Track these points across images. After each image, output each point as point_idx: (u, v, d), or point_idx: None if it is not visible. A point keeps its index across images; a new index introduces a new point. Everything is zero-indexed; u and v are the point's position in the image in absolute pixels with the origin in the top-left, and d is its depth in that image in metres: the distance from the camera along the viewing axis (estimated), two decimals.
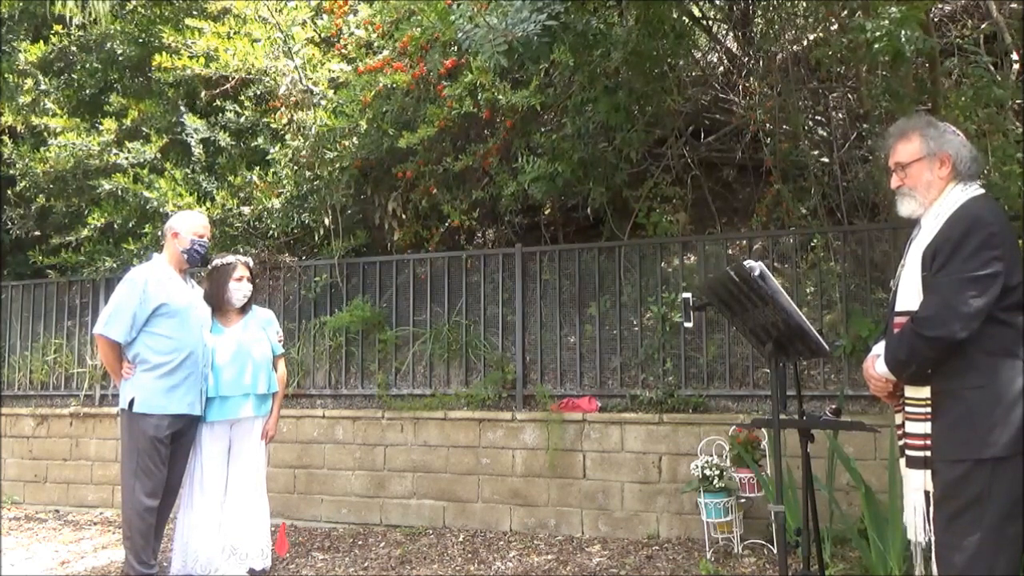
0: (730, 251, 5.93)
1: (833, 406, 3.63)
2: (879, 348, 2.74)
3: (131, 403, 4.27)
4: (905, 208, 2.78)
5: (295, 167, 6.49)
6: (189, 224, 4.52)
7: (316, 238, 6.88)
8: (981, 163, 2.88)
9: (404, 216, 6.69)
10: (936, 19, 6.17)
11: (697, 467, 4.68)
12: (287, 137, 6.41)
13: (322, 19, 6.58)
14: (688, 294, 3.60)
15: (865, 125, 6.29)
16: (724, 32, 7.69)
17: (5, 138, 7.35)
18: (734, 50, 7.56)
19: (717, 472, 4.61)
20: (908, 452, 2.65)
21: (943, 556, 2.54)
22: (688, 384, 5.52)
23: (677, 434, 5.19)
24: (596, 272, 5.98)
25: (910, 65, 5.09)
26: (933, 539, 2.57)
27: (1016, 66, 5.67)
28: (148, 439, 4.25)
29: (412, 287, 6.41)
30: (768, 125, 6.52)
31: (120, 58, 7.45)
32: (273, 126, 6.48)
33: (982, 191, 2.70)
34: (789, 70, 6.40)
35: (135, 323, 4.28)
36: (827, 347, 3.03)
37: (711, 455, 4.76)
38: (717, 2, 7.56)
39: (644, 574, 4.57)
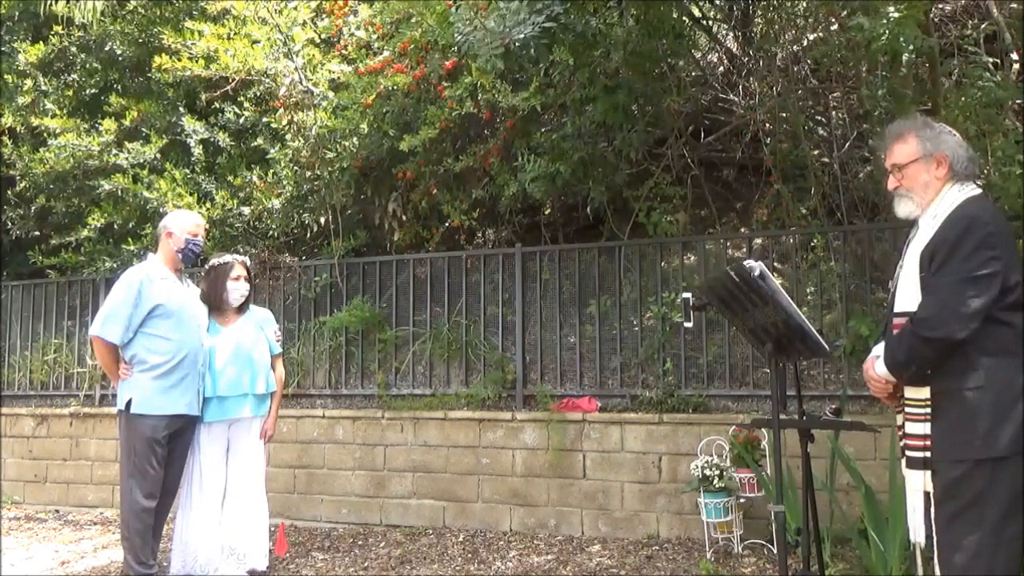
0: (730, 251, 5.93)
1: (834, 406, 3.64)
2: (879, 349, 2.74)
3: (128, 404, 4.27)
4: (902, 209, 2.78)
5: (295, 167, 6.50)
6: (183, 223, 4.52)
7: (314, 237, 6.88)
8: (978, 163, 2.88)
9: (404, 216, 6.69)
10: (936, 19, 6.16)
11: (697, 467, 4.68)
12: (287, 137, 6.41)
13: (322, 21, 6.59)
14: (688, 294, 3.59)
15: (865, 125, 6.28)
16: (724, 32, 7.69)
17: (5, 138, 7.35)
18: (734, 50, 7.56)
19: (717, 472, 4.61)
20: (908, 453, 2.65)
21: (944, 556, 2.54)
22: (688, 384, 5.52)
23: (677, 434, 5.19)
24: (596, 272, 5.98)
25: (910, 65, 5.09)
26: (936, 540, 2.57)
27: (1016, 66, 5.67)
28: (145, 440, 4.24)
29: (412, 287, 6.41)
30: (768, 125, 6.52)
31: (120, 58, 7.45)
32: (273, 126, 6.49)
33: (979, 191, 2.70)
34: (789, 70, 6.40)
35: (131, 324, 4.28)
36: (827, 347, 3.03)
37: (711, 455, 4.76)
38: (717, 2, 7.56)
39: (644, 574, 4.57)
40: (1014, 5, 5.62)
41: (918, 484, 2.62)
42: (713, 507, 4.63)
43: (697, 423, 5.16)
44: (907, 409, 2.65)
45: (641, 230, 6.23)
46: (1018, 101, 5.12)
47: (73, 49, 7.55)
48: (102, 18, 6.98)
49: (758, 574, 4.46)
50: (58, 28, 7.23)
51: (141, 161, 6.78)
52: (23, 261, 7.67)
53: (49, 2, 6.81)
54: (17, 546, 5.71)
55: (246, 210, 6.64)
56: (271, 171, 6.57)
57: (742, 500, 4.71)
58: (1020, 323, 2.54)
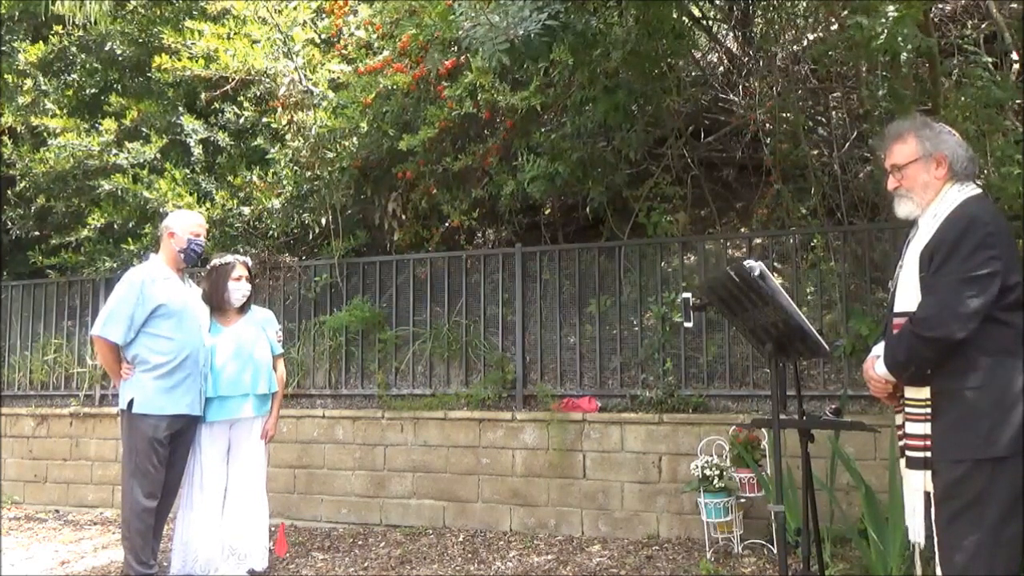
0: (730, 251, 5.94)
1: (834, 406, 3.64)
2: (879, 349, 2.74)
3: (130, 404, 4.27)
4: (902, 209, 2.78)
5: (295, 167, 6.50)
6: (185, 223, 4.52)
7: (314, 237, 6.88)
8: (977, 163, 2.88)
9: (404, 216, 6.70)
10: (936, 19, 6.17)
11: (697, 467, 4.68)
12: (287, 137, 6.41)
13: (322, 20, 6.59)
14: (688, 294, 3.59)
15: (865, 125, 6.29)
16: (724, 32, 7.69)
17: (5, 138, 7.35)
18: (734, 50, 7.56)
19: (717, 472, 4.61)
20: (908, 453, 2.65)
21: (944, 556, 2.54)
22: (688, 384, 5.52)
23: (677, 434, 5.19)
24: (596, 272, 5.98)
25: (910, 65, 5.09)
26: (936, 540, 2.57)
27: (1016, 66, 5.67)
28: (146, 440, 4.24)
29: (412, 287, 6.41)
30: (768, 125, 6.52)
31: (120, 58, 7.45)
32: (273, 126, 6.49)
33: (979, 191, 2.70)
34: (789, 70, 6.40)
35: (133, 324, 4.28)
36: (827, 347, 3.03)
37: (711, 455, 4.76)
38: (717, 2, 7.56)
39: (644, 574, 4.57)
40: (1014, 5, 5.62)
41: (918, 484, 2.62)
42: (713, 507, 4.63)
43: (697, 423, 5.16)
44: (907, 409, 2.65)
45: (641, 230, 6.24)
46: (1018, 101, 5.12)
47: (73, 49, 7.55)
48: (103, 17, 6.97)
49: (758, 574, 4.46)
50: (58, 28, 7.22)
51: (141, 161, 6.78)
52: (23, 261, 7.67)
53: (54, 2, 6.80)
54: (17, 546, 5.71)
55: (246, 210, 6.64)
56: (271, 171, 6.57)
57: (742, 500, 4.71)
58: (1020, 323, 2.54)
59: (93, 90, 7.58)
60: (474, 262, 6.41)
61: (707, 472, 4.62)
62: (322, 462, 6.07)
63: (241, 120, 6.80)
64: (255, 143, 6.72)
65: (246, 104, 6.70)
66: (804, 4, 6.41)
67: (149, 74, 7.06)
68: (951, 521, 2.52)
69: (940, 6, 6.43)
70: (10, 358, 7.66)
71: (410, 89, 5.94)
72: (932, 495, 2.57)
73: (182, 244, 4.45)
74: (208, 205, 6.50)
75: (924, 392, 2.59)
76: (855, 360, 4.95)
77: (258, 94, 6.67)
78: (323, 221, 6.65)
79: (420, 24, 5.54)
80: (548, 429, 5.46)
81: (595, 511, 5.33)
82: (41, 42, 7.26)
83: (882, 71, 5.53)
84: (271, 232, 6.76)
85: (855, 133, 6.39)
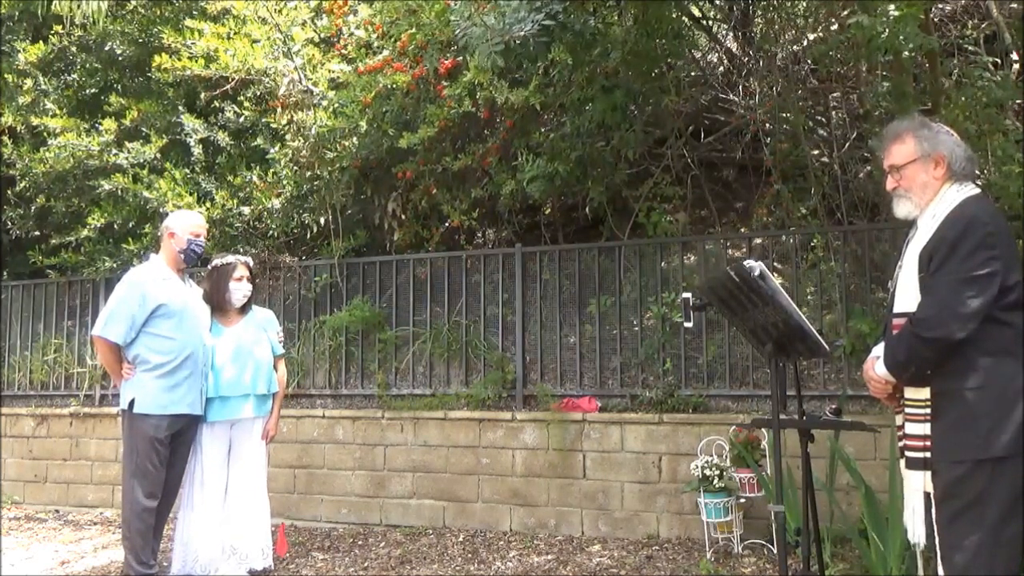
0: (730, 251, 5.93)
1: (834, 406, 3.63)
2: (879, 350, 2.74)
3: (131, 403, 4.27)
4: (901, 210, 2.78)
5: (295, 167, 6.50)
6: (185, 223, 4.52)
7: (314, 237, 6.88)
8: (976, 162, 2.88)
9: (404, 216, 6.70)
10: (936, 19, 6.17)
11: (697, 467, 4.68)
12: (287, 137, 6.42)
13: (322, 20, 6.60)
14: (688, 294, 3.58)
15: (865, 125, 6.29)
16: (724, 32, 7.69)
17: (5, 138, 7.35)
18: (734, 50, 7.56)
19: (717, 472, 4.61)
20: (908, 453, 2.65)
21: (945, 556, 2.54)
22: (688, 384, 5.52)
23: (677, 434, 5.19)
24: (596, 272, 5.98)
25: (911, 65, 5.09)
26: (937, 540, 2.57)
27: (1016, 66, 5.67)
28: (147, 439, 4.24)
29: (412, 287, 6.41)
30: (768, 125, 6.52)
31: (120, 58, 7.46)
32: (273, 126, 6.49)
33: (978, 191, 2.70)
34: (789, 70, 6.41)
35: (134, 324, 4.28)
36: (827, 347, 3.03)
37: (711, 455, 4.76)
38: (717, 2, 7.56)
39: (644, 574, 4.57)
40: (1014, 5, 5.62)
41: (918, 484, 2.62)
42: (713, 507, 4.63)
43: (697, 423, 5.16)
44: (907, 409, 2.65)
45: (641, 230, 6.24)
46: (1018, 101, 5.13)
47: (73, 49, 7.55)
48: (102, 16, 6.97)
49: (758, 574, 4.46)
50: (58, 28, 7.22)
51: (141, 161, 6.78)
52: (23, 261, 7.67)
53: (51, 1, 6.79)
54: (17, 546, 5.71)
55: (246, 210, 6.65)
56: (271, 171, 6.57)
57: (742, 500, 4.71)
58: (1020, 323, 2.54)
59: (93, 90, 7.58)
60: (474, 262, 6.41)
61: (707, 472, 4.62)
62: (322, 462, 6.07)
63: (241, 120, 6.80)
64: (255, 143, 6.73)
65: (246, 104, 6.70)
66: (804, 4, 6.41)
67: (149, 74, 7.06)
68: (951, 521, 2.52)
69: (940, 6, 6.44)
70: (10, 358, 7.66)
71: (410, 88, 5.94)
72: (932, 495, 2.57)
73: (182, 244, 4.45)
74: (208, 205, 6.50)
75: (924, 392, 2.59)
76: (855, 360, 4.95)
77: (258, 94, 6.67)
78: (323, 221, 6.65)
79: (418, 24, 5.54)
80: (548, 429, 5.46)
81: (595, 511, 5.33)
82: (41, 42, 7.26)
83: (882, 71, 5.53)
84: (271, 232, 6.76)
85: (855, 133, 6.40)
